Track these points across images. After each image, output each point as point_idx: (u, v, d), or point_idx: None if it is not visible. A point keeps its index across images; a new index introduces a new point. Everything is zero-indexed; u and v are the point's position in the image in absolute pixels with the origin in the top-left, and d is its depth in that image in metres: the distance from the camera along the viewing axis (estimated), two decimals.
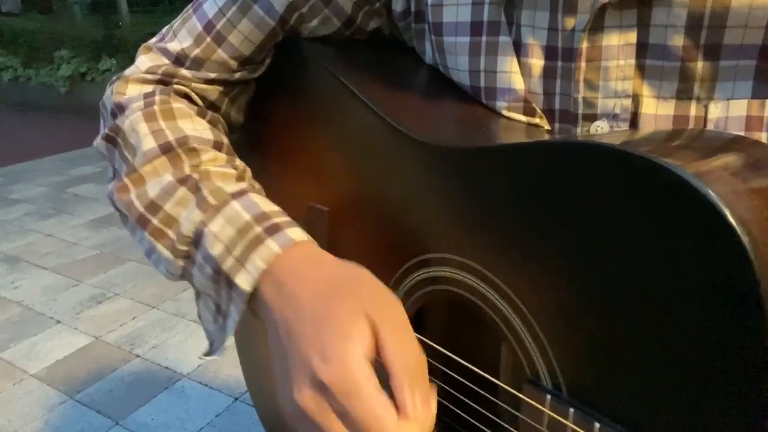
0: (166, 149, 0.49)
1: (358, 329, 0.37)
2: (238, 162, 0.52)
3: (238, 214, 0.45)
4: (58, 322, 2.20)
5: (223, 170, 0.49)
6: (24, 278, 2.56)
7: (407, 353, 0.38)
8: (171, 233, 0.48)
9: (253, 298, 0.43)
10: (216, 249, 0.44)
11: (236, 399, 1.75)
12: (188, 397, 1.77)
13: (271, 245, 0.43)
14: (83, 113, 5.13)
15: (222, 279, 0.44)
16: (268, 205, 0.46)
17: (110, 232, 2.97)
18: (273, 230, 0.43)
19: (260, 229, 0.44)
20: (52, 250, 2.83)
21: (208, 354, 0.49)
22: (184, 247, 0.47)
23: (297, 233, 0.44)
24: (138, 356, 1.97)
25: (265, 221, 0.44)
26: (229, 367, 1.84)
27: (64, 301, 2.34)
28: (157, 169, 0.49)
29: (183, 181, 0.48)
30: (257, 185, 0.51)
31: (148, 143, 0.49)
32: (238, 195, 0.47)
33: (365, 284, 0.41)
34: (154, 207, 0.48)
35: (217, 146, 0.52)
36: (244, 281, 0.43)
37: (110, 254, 2.73)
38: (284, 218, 0.45)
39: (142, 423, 1.67)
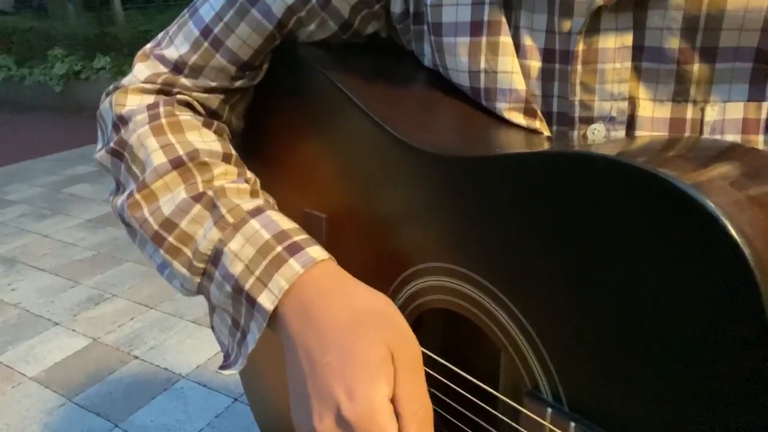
0: (177, 164, 0.49)
1: (385, 371, 0.38)
2: (249, 174, 0.52)
3: (257, 232, 0.45)
4: (56, 324, 2.20)
5: (236, 186, 0.49)
6: (21, 280, 2.55)
7: (419, 401, 0.39)
8: (187, 251, 0.48)
9: (274, 316, 0.44)
10: (236, 268, 0.45)
11: (236, 400, 1.74)
12: (187, 398, 1.76)
13: (293, 265, 0.43)
14: (78, 112, 5.11)
15: (243, 297, 0.45)
16: (286, 223, 0.47)
17: (107, 232, 2.96)
18: (294, 249, 0.44)
19: (281, 248, 0.44)
20: (48, 251, 2.82)
21: (225, 368, 0.49)
22: (201, 265, 0.48)
23: (317, 252, 0.44)
24: (136, 357, 1.96)
25: (285, 240, 0.45)
26: None
27: (61, 303, 2.34)
28: (169, 185, 0.49)
29: (198, 198, 0.48)
30: (270, 198, 0.52)
31: (158, 158, 0.49)
32: (255, 213, 0.47)
33: (389, 319, 0.42)
34: (169, 224, 0.48)
35: (227, 158, 0.52)
36: (266, 300, 0.43)
37: (107, 255, 2.73)
38: (303, 236, 0.46)
39: (141, 425, 1.67)
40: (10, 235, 3.03)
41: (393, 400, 0.38)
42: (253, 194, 0.50)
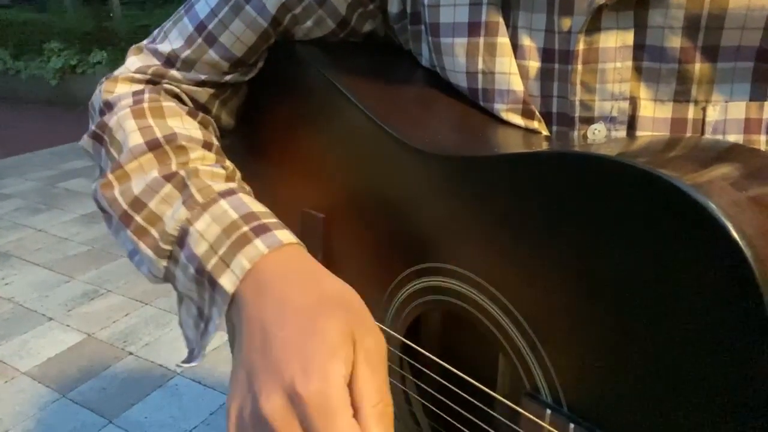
0: (154, 146, 0.48)
1: (345, 351, 0.35)
2: (228, 163, 0.51)
3: (225, 212, 0.43)
4: (50, 319, 2.19)
5: (212, 169, 0.48)
6: (15, 274, 2.54)
7: (379, 394, 0.36)
8: (154, 232, 0.46)
9: (234, 299, 0.41)
10: (200, 248, 0.43)
11: None
12: (182, 395, 1.76)
13: (259, 245, 0.41)
14: (74, 106, 5.09)
15: (205, 279, 0.43)
16: (257, 206, 0.45)
17: (102, 227, 2.94)
18: (261, 230, 0.42)
19: (247, 228, 0.42)
20: (43, 245, 2.81)
21: (187, 362, 0.47)
22: (167, 247, 0.46)
23: (286, 235, 0.42)
24: (131, 353, 1.96)
25: (253, 221, 0.43)
26: (223, 364, 1.83)
27: (55, 298, 2.33)
28: (143, 166, 0.47)
29: (169, 177, 0.46)
30: (247, 187, 0.50)
31: (135, 139, 0.48)
32: (226, 194, 0.45)
33: (354, 307, 0.39)
34: (138, 204, 0.47)
35: (207, 146, 0.50)
36: (227, 282, 0.41)
37: (102, 250, 2.72)
38: (273, 219, 0.44)
39: (135, 421, 1.67)
40: (5, 229, 3.02)
41: (351, 390, 0.35)
42: (228, 179, 0.48)
